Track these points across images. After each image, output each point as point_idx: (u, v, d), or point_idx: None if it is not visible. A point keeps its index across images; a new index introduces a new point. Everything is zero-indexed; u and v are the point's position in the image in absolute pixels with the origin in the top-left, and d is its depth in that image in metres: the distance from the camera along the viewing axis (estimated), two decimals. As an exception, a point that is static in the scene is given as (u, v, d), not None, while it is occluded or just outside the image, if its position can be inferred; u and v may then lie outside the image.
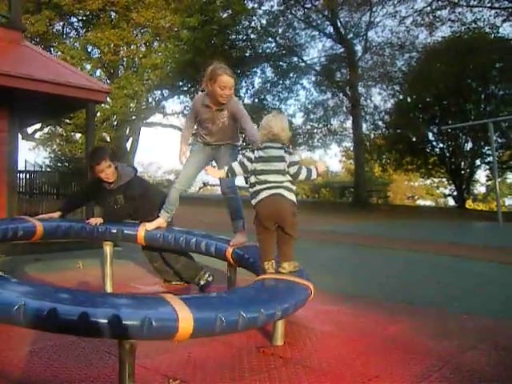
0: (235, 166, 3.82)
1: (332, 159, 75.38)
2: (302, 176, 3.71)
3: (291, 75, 33.18)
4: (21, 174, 11.59)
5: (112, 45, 26.89)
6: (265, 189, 3.65)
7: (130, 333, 2.38)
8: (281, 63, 32.88)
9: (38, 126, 29.10)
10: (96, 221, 5.00)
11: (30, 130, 29.54)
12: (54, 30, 29.22)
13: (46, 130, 32.66)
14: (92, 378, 2.86)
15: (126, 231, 5.07)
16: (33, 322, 2.39)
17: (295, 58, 32.94)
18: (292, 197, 3.68)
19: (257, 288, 3.43)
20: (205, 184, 60.57)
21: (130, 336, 2.40)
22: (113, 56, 27.46)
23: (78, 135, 32.30)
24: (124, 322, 2.35)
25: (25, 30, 11.84)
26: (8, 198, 8.94)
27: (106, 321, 2.32)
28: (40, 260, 7.19)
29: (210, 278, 5.36)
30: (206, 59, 26.71)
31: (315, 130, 35.78)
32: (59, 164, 35.43)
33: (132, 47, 28.78)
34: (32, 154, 38.11)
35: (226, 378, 2.91)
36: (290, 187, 3.69)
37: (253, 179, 3.73)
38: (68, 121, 28.57)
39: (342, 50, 31.88)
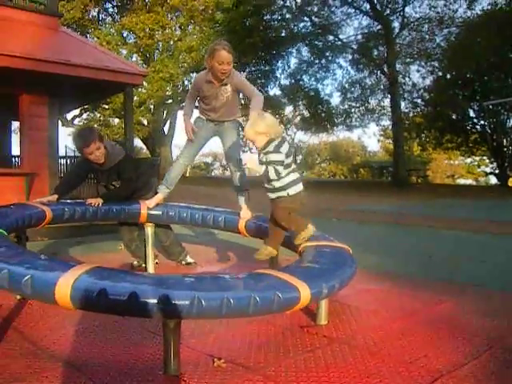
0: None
1: (370, 138, 74.58)
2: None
3: (327, 54, 32.77)
4: (62, 160, 11.76)
5: (147, 29, 26.97)
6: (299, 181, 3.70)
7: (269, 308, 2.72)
8: (317, 42, 32.46)
9: (76, 112, 29.54)
10: (96, 201, 4.83)
11: (69, 116, 29.97)
12: (90, 17, 29.44)
13: (84, 115, 33.10)
14: (137, 357, 2.87)
15: (128, 210, 5.01)
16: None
17: (331, 37, 32.49)
18: None
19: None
20: (223, 167, 60.74)
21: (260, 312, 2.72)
22: (148, 40, 27.54)
23: (116, 120, 32.70)
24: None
25: (61, 16, 11.96)
26: (50, 184, 9.10)
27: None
28: (82, 242, 7.30)
29: (192, 260, 5.58)
30: (240, 40, 26.74)
31: (353, 110, 35.37)
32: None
33: (167, 31, 28.81)
34: (71, 139, 38.69)
35: (270, 357, 2.89)
36: None
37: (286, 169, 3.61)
38: (106, 106, 28.92)
39: (378, 27, 31.23)
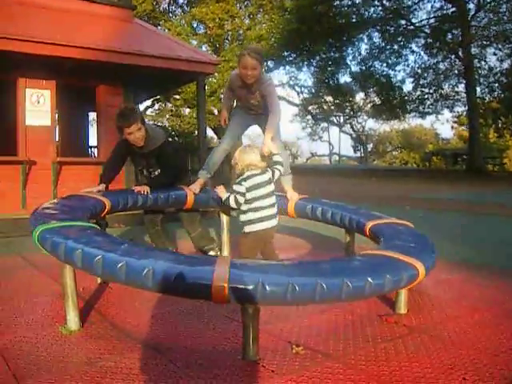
0: None
1: (443, 125, 72.57)
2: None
3: (399, 39, 31.96)
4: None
5: (217, 19, 27.13)
6: None
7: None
8: (388, 27, 31.71)
9: (148, 102, 30.13)
10: (143, 189, 4.65)
11: (141, 107, 30.64)
12: (161, 9, 29.91)
13: (156, 106, 33.79)
14: (216, 342, 2.89)
15: (175, 196, 4.87)
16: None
17: (403, 21, 31.59)
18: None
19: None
20: (312, 154, 60.60)
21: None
22: (218, 30, 27.72)
23: (187, 110, 33.16)
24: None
25: (135, 8, 12.18)
26: (125, 172, 9.31)
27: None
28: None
29: (218, 253, 5.28)
30: (310, 28, 26.53)
31: (426, 96, 34.36)
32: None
33: (236, 20, 28.89)
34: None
35: (349, 346, 2.84)
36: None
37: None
38: (177, 96, 29.36)
39: (452, 9, 30.15)
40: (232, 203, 3.84)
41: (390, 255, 3.12)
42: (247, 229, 3.88)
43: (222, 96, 5.14)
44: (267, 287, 2.46)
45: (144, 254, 2.74)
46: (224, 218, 5.21)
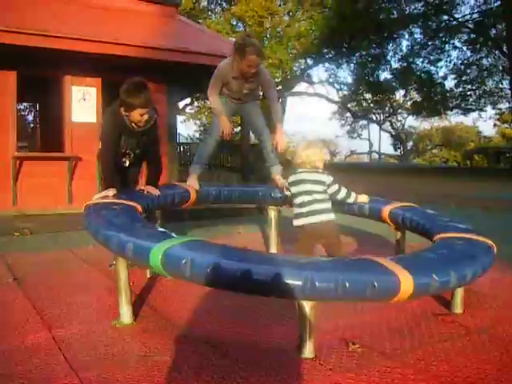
0: None
1: (486, 122, 71.01)
2: None
3: (441, 35, 31.37)
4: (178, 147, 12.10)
5: (256, 16, 27.13)
6: None
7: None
8: (430, 23, 31.15)
9: (187, 100, 30.32)
10: (154, 191, 4.19)
11: (180, 104, 30.85)
12: (200, 7, 30.06)
13: (195, 103, 33.98)
14: (270, 339, 2.87)
15: (179, 195, 4.60)
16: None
17: (445, 17, 31.01)
18: None
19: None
20: (352, 152, 60.16)
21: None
22: (257, 28, 27.72)
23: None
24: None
25: (179, 5, 12.24)
26: (169, 169, 9.39)
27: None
28: (201, 226, 7.45)
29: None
30: (351, 24, 26.27)
31: (468, 92, 33.66)
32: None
33: (276, 17, 28.84)
34: (182, 127, 40.01)
35: (406, 345, 2.78)
36: None
37: None
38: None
39: (497, 3, 29.44)
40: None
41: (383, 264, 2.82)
42: (295, 223, 3.89)
43: (210, 91, 4.63)
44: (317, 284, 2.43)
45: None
46: (272, 214, 5.18)
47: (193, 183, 4.77)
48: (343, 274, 2.49)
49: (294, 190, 3.89)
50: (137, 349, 2.71)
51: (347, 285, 2.43)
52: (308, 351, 2.56)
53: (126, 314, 3.09)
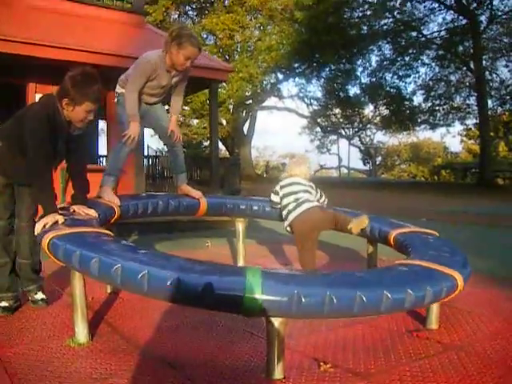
0: None
1: (455, 138, 72.31)
2: None
3: (410, 51, 31.79)
4: (145, 159, 11.88)
5: (227, 29, 27.09)
6: None
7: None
8: (399, 39, 31.56)
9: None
10: (91, 212, 3.36)
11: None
12: (171, 19, 29.92)
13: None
14: (235, 358, 2.67)
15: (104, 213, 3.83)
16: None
17: (414, 33, 31.47)
18: None
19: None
20: (321, 166, 60.39)
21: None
22: (228, 41, 27.69)
23: (195, 121, 33.15)
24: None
25: (147, 14, 12.10)
26: (136, 181, 9.18)
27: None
28: (168, 239, 7.24)
29: (44, 296, 3.67)
30: (321, 39, 26.40)
31: (436, 108, 34.10)
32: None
33: (246, 31, 28.84)
34: (153, 139, 39.74)
35: (381, 363, 2.61)
36: None
37: None
38: (185, 107, 29.32)
39: (464, 21, 29.93)
40: (270, 202, 4.48)
41: (426, 265, 2.90)
42: (287, 222, 4.04)
43: (131, 86, 3.99)
44: (303, 299, 2.27)
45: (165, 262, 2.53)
46: (240, 226, 5.01)
47: (111, 198, 4.00)
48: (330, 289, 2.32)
49: (285, 190, 4.13)
50: (91, 370, 2.49)
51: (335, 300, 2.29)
52: (277, 372, 2.37)
53: (81, 332, 2.86)
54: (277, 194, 4.23)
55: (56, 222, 2.97)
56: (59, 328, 3.15)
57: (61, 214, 3.06)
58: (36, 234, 2.99)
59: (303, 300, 2.26)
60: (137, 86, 3.99)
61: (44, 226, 2.95)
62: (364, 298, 2.35)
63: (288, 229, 4.12)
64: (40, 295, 3.61)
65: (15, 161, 3.25)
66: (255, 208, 4.91)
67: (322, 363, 2.57)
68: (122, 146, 4.17)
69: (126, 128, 4.07)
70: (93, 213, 3.34)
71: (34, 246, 3.44)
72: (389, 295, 2.41)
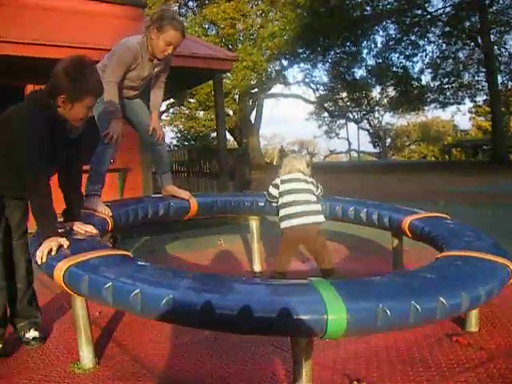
0: None
1: (465, 115, 70.89)
2: None
3: (416, 30, 31.19)
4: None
5: (228, 18, 26.71)
6: None
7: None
8: (403, 18, 30.95)
9: (163, 107, 29.83)
10: (91, 228, 2.95)
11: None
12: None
13: (171, 110, 33.56)
14: (255, 378, 2.39)
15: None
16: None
17: (419, 11, 30.82)
18: None
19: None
20: (331, 151, 59.98)
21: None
22: (230, 30, 27.30)
23: (201, 113, 32.90)
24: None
25: (145, 6, 11.74)
26: (143, 179, 8.93)
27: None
28: (179, 238, 6.98)
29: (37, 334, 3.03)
30: (324, 22, 25.93)
31: (446, 86, 33.50)
32: (186, 142, 36.50)
33: (248, 19, 28.44)
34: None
35: (422, 378, 2.33)
36: None
37: None
38: (191, 100, 29.07)
39: (470, -5, 29.23)
40: (266, 195, 4.18)
41: (479, 256, 2.65)
42: (283, 225, 3.83)
43: (111, 76, 3.58)
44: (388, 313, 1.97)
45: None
46: (254, 224, 4.74)
47: (102, 208, 3.57)
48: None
49: (285, 187, 3.91)
50: (99, 402, 2.24)
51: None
52: (305, 395, 2.09)
53: (86, 356, 2.59)
54: (276, 187, 4.02)
55: (61, 247, 2.54)
56: (63, 351, 2.88)
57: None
58: (40, 263, 2.53)
59: (388, 313, 1.97)
60: (116, 77, 3.60)
61: (49, 252, 2.50)
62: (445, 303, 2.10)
63: (281, 226, 3.90)
64: (33, 333, 3.00)
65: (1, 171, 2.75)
66: (247, 204, 4.60)
67: (355, 382, 2.29)
68: (104, 148, 3.75)
69: (105, 127, 3.67)
70: (92, 229, 2.91)
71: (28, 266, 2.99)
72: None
